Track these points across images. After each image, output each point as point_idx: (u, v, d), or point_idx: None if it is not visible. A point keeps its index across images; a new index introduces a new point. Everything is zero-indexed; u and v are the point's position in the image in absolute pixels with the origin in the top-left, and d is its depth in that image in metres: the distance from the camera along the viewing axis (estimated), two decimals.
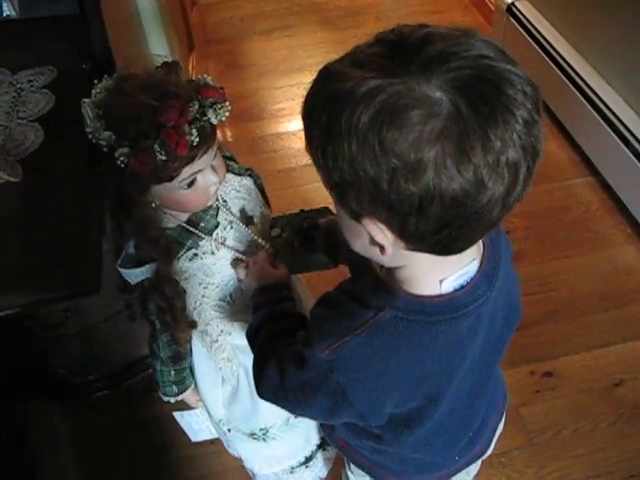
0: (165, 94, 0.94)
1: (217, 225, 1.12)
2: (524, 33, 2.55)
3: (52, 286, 0.82)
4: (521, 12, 2.60)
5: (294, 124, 2.66)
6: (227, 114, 1.00)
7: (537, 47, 2.46)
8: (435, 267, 0.71)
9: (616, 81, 2.12)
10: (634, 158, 1.99)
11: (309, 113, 0.65)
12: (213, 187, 1.05)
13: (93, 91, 0.98)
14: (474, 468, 1.12)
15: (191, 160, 0.96)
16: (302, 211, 1.17)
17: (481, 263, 0.77)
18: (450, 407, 0.87)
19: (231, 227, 1.14)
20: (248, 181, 1.20)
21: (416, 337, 0.75)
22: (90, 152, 0.97)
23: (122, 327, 1.64)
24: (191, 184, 1.01)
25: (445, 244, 0.64)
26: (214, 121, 0.97)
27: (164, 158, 0.92)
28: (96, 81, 1.00)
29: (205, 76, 1.03)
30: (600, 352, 1.81)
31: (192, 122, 0.94)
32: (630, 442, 1.64)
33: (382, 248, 0.67)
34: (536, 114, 0.59)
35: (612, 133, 2.07)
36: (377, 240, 0.66)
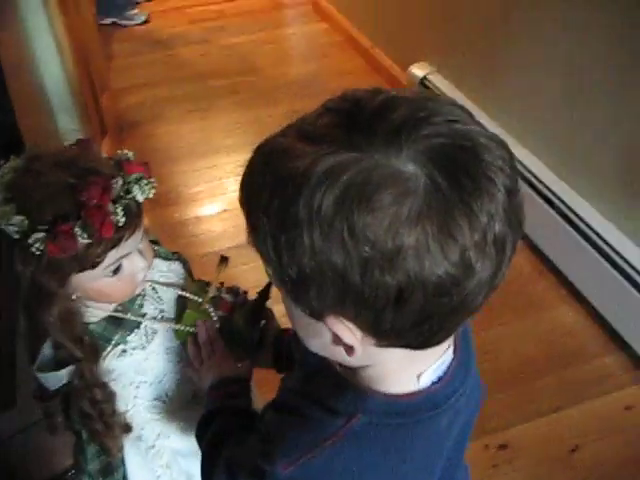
0: (84, 171, 0.85)
1: (144, 316, 1.01)
2: None
3: None
4: (434, 85, 2.66)
5: (214, 206, 2.58)
6: (154, 190, 0.90)
7: None
8: (410, 362, 0.63)
9: (539, 148, 2.16)
10: (560, 218, 2.01)
11: (251, 199, 0.56)
12: (141, 273, 0.94)
13: None
14: None
15: (117, 243, 0.86)
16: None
17: (454, 349, 0.69)
18: None
19: (162, 317, 1.03)
20: (177, 266, 1.10)
21: (394, 443, 0.65)
22: None
23: (39, 438, 1.46)
24: (116, 271, 0.90)
25: (423, 339, 0.56)
26: (140, 198, 0.87)
27: (87, 242, 0.82)
28: (2, 161, 0.89)
29: (126, 152, 0.93)
30: (552, 418, 1.75)
31: (116, 200, 0.85)
32: None
33: (350, 349, 0.58)
34: (515, 181, 0.53)
35: (536, 196, 2.09)
36: (345, 341, 0.57)
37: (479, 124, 0.54)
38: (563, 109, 2.04)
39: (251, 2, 4.04)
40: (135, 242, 0.90)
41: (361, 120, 0.52)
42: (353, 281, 0.50)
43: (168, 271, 1.07)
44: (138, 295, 1.00)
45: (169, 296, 1.04)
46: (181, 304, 1.04)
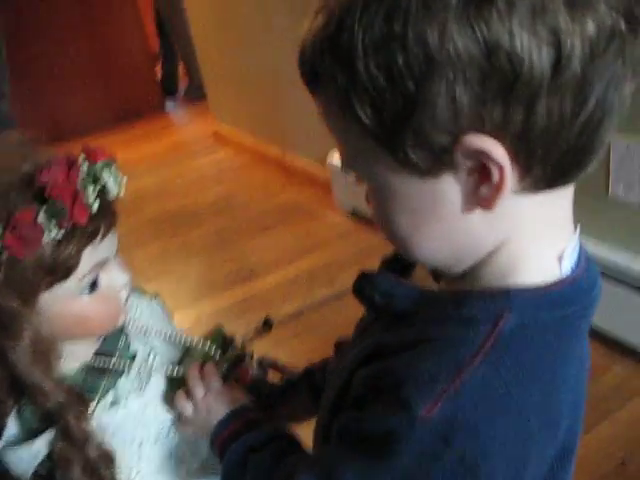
0: (38, 163, 0.69)
1: (134, 356, 0.82)
2: None
3: None
4: None
5: None
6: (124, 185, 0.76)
7: None
8: (546, 232, 0.51)
9: None
10: None
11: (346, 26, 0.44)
12: (123, 292, 0.77)
13: None
14: None
15: (92, 237, 0.70)
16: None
17: None
18: None
19: (154, 356, 0.84)
20: (157, 304, 0.93)
21: (554, 343, 0.51)
22: None
23: None
24: (94, 286, 0.73)
25: (575, 150, 0.45)
26: (113, 187, 0.72)
27: (56, 232, 0.65)
28: None
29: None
30: (590, 437, 1.58)
31: (85, 185, 0.69)
32: None
33: (496, 188, 0.45)
34: None
35: None
36: (495, 158, 0.43)
37: None
38: None
39: (151, 145, 4.05)
40: (111, 246, 0.75)
41: None
42: (501, 52, 0.40)
43: (150, 309, 0.90)
44: (121, 332, 0.82)
45: (158, 330, 0.86)
46: (182, 352, 0.86)
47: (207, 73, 3.89)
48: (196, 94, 4.49)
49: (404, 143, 0.45)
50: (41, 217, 0.65)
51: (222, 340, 0.85)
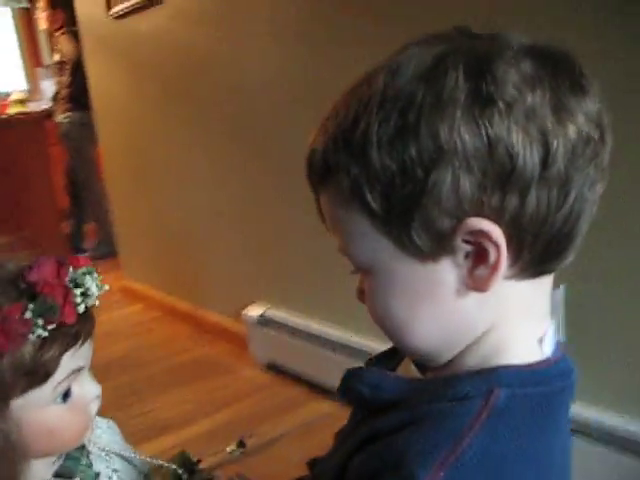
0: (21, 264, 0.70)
1: (97, 476, 0.78)
2: (285, 334, 2.61)
3: None
4: (274, 318, 2.68)
5: None
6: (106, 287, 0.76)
7: (301, 340, 2.51)
8: (529, 317, 0.56)
9: None
10: None
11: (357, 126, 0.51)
12: (94, 404, 0.75)
13: None
14: None
15: (75, 340, 0.69)
16: None
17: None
18: None
19: (117, 477, 0.80)
20: (113, 424, 0.90)
21: (543, 414, 0.55)
22: None
23: None
24: (66, 397, 0.71)
25: (557, 242, 0.52)
26: (95, 291, 0.73)
27: (41, 330, 0.64)
28: None
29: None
30: None
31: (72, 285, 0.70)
32: None
33: (493, 268, 0.50)
34: None
35: None
36: (494, 238, 0.49)
37: None
38: None
39: None
40: (88, 354, 0.74)
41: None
42: (501, 146, 0.47)
43: (109, 428, 0.87)
44: (82, 451, 0.78)
45: (119, 451, 0.83)
46: (145, 474, 0.83)
47: (120, 232, 3.92)
48: (105, 251, 4.47)
49: (410, 226, 0.50)
50: (29, 313, 0.64)
51: (189, 462, 0.83)
